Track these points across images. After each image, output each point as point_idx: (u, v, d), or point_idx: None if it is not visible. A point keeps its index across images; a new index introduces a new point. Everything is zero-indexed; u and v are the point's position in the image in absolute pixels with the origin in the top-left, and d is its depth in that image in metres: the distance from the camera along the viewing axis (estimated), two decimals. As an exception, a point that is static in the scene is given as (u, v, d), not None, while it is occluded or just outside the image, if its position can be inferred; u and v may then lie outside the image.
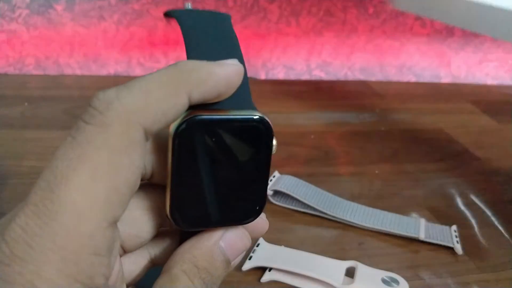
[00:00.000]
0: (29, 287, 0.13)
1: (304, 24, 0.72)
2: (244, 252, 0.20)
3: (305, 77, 0.77)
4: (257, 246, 0.34)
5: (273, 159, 0.19)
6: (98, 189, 0.14)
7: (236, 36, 0.19)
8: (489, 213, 0.42)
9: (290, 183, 0.40)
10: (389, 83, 0.78)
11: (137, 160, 0.15)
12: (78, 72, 0.69)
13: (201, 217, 0.18)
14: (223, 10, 0.68)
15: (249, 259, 0.32)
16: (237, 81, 0.17)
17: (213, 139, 0.17)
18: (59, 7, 0.64)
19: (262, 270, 0.32)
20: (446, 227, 0.38)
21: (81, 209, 0.13)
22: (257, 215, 0.19)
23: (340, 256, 0.34)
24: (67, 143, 0.14)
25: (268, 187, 0.40)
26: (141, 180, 0.17)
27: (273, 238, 0.35)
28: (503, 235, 0.39)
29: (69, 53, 0.67)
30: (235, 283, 0.32)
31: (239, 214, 0.19)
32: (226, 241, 0.18)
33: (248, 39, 0.72)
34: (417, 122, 0.62)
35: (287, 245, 0.34)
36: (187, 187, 0.17)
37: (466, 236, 0.38)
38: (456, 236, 0.37)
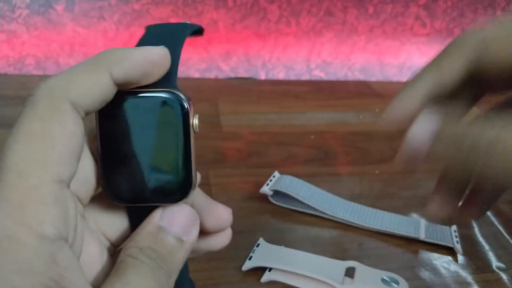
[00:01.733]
0: None
1: (304, 24, 0.72)
2: (197, 227, 0.20)
3: (305, 77, 0.77)
4: (257, 246, 0.34)
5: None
6: (34, 149, 0.16)
7: (182, 41, 0.20)
8: (489, 213, 0.42)
9: (290, 183, 0.40)
10: (389, 83, 0.78)
11: (70, 127, 0.16)
12: (78, 72, 0.69)
13: (131, 193, 0.19)
14: (223, 10, 0.68)
15: (249, 259, 0.32)
16: (162, 61, 0.18)
17: (133, 115, 0.18)
18: (59, 7, 0.64)
19: (262, 270, 0.32)
20: (446, 227, 0.38)
21: (23, 168, 0.15)
22: (184, 195, 0.19)
23: (340, 256, 0.34)
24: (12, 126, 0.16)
25: (268, 187, 0.40)
26: None
27: (273, 238, 0.35)
28: (503, 235, 0.39)
29: (69, 53, 0.67)
30: (235, 283, 0.32)
31: (168, 193, 0.19)
32: (165, 219, 0.19)
33: (248, 39, 0.72)
34: (417, 122, 0.62)
35: (287, 245, 0.34)
36: (113, 162, 0.19)
37: (466, 236, 0.38)
38: (456, 236, 0.37)
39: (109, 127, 0.18)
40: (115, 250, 0.20)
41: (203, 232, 0.21)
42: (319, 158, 0.50)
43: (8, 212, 0.15)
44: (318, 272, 0.31)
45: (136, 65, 0.17)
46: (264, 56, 0.74)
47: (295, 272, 0.31)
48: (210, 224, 0.21)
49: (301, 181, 0.41)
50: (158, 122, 0.18)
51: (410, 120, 0.22)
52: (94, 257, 0.19)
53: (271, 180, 0.41)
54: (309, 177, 0.42)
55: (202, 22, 0.69)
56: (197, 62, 0.71)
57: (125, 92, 0.18)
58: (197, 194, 0.21)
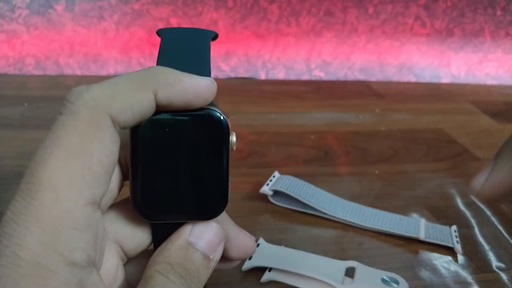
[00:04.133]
0: (12, 256, 0.14)
1: (304, 24, 0.72)
2: (222, 245, 0.20)
3: (305, 77, 0.77)
4: (257, 246, 0.34)
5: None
6: (72, 169, 0.15)
7: (209, 51, 0.20)
8: (489, 213, 0.42)
9: (290, 183, 0.40)
10: (389, 83, 0.78)
11: (108, 144, 0.16)
12: (78, 72, 0.69)
13: (163, 210, 0.19)
14: (222, 10, 0.68)
15: (249, 259, 0.32)
16: (208, 96, 0.18)
17: (170, 132, 0.18)
18: (59, 7, 0.64)
19: (262, 270, 0.32)
20: (446, 227, 0.38)
21: (57, 187, 0.15)
22: (219, 212, 0.19)
23: (340, 256, 0.34)
24: (46, 134, 0.16)
25: (268, 187, 0.40)
26: None
27: (273, 238, 0.35)
28: (503, 235, 0.39)
29: (69, 53, 0.67)
30: (235, 283, 0.32)
31: (201, 210, 0.19)
32: (195, 236, 0.19)
33: (248, 39, 0.72)
34: (417, 122, 0.62)
35: (287, 245, 0.34)
36: (146, 179, 0.18)
37: (466, 236, 0.38)
38: (456, 236, 0.37)
39: (144, 143, 0.18)
40: (127, 260, 0.20)
41: (223, 257, 0.20)
42: (319, 158, 0.50)
43: (40, 238, 0.14)
44: (318, 272, 0.31)
45: (183, 93, 0.17)
46: (264, 56, 0.74)
47: (295, 272, 0.31)
48: (233, 252, 0.21)
49: (301, 181, 0.41)
50: (196, 140, 0.18)
51: (502, 193, 0.21)
52: (111, 270, 0.19)
53: (271, 180, 0.41)
54: (309, 177, 0.42)
55: (202, 22, 0.69)
56: (197, 62, 0.71)
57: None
58: (224, 217, 0.21)
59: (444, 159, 0.52)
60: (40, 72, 0.68)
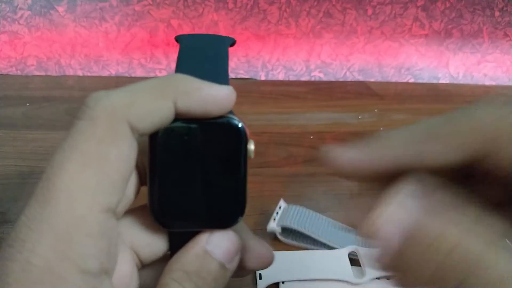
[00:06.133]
0: (24, 262, 0.14)
1: (304, 26, 0.73)
2: (239, 254, 0.19)
3: (305, 78, 0.77)
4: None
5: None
6: (88, 175, 0.15)
7: (227, 58, 0.20)
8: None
9: (298, 215, 0.36)
10: (388, 84, 0.78)
11: (126, 151, 0.16)
12: (80, 73, 0.69)
13: (182, 218, 0.19)
14: (223, 11, 0.69)
15: (260, 278, 0.31)
16: (227, 105, 0.18)
17: (188, 142, 0.18)
18: (60, 8, 0.65)
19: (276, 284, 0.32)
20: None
21: (73, 193, 0.15)
22: (236, 220, 0.19)
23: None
24: (64, 138, 0.16)
25: (275, 222, 0.36)
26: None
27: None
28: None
29: (70, 54, 0.68)
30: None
31: (218, 218, 0.19)
32: (212, 244, 0.18)
33: (248, 40, 0.72)
34: (416, 122, 0.63)
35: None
36: (165, 187, 0.18)
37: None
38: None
39: (163, 151, 0.18)
40: (142, 267, 0.20)
41: (239, 266, 0.20)
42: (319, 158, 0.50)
43: (53, 244, 0.14)
44: (328, 271, 0.31)
45: (203, 101, 0.17)
46: (264, 57, 0.74)
47: (307, 279, 0.31)
48: (250, 262, 0.20)
49: (310, 211, 0.37)
50: (215, 147, 0.18)
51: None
52: (125, 276, 0.18)
53: (277, 213, 0.37)
54: (309, 177, 0.42)
55: (203, 23, 0.69)
56: (197, 63, 0.72)
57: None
58: (241, 226, 0.20)
59: (442, 159, 0.53)
60: (42, 73, 0.68)
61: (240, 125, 0.18)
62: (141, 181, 0.19)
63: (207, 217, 0.19)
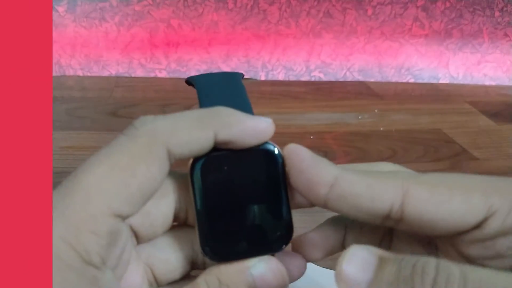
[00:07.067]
0: None
1: (304, 26, 0.73)
2: None
3: (305, 78, 0.77)
4: None
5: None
6: (110, 181, 0.16)
7: (246, 91, 0.21)
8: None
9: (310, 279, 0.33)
10: (388, 84, 0.78)
11: (154, 171, 0.17)
12: (80, 73, 0.69)
13: (231, 248, 0.19)
14: (223, 11, 0.69)
15: None
16: (266, 137, 0.18)
17: (229, 172, 0.18)
18: (60, 9, 0.65)
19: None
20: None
21: (91, 194, 0.16)
22: (286, 242, 0.19)
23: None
24: (104, 146, 0.17)
25: None
26: (178, 222, 0.20)
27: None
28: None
29: (70, 54, 0.68)
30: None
31: (268, 243, 0.19)
32: (257, 270, 0.19)
33: (248, 41, 0.72)
34: (415, 122, 0.63)
35: None
36: (212, 219, 0.18)
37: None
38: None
39: (206, 181, 0.18)
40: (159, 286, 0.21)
41: None
42: (319, 158, 0.51)
43: (63, 233, 0.15)
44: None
45: (243, 133, 0.18)
46: (264, 57, 0.74)
47: None
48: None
49: (322, 269, 0.34)
50: (257, 175, 0.19)
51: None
52: (133, 286, 0.19)
53: None
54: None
55: (203, 23, 0.69)
56: (197, 63, 0.72)
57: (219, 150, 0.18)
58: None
59: (443, 159, 0.53)
60: (42, 73, 0.68)
61: (277, 150, 0.19)
62: (175, 218, 0.20)
63: (256, 245, 0.19)
